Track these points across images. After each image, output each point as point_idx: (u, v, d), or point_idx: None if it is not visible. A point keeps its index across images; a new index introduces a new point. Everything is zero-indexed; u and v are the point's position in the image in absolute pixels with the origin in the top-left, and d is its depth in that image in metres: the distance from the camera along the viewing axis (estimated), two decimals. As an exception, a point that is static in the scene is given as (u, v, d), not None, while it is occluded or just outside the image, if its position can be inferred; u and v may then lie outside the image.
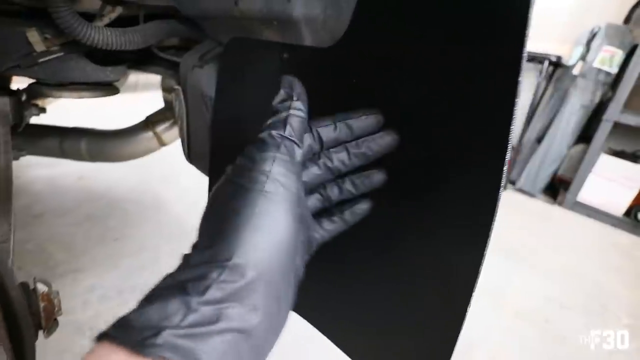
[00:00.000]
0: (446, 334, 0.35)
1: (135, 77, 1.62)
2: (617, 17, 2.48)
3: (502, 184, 0.29)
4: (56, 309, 0.44)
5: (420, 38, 0.34)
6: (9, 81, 0.91)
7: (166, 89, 1.30)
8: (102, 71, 0.70)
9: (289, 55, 0.50)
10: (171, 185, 2.02)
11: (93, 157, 1.04)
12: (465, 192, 0.32)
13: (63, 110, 1.84)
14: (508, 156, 0.29)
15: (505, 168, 0.29)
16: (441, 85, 0.33)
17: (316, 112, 0.46)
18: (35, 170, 1.96)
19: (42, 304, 0.43)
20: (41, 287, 0.43)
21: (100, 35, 0.58)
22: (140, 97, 1.61)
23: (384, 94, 0.38)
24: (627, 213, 2.31)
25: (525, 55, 0.27)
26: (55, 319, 0.45)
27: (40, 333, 0.44)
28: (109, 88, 0.77)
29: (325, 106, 0.46)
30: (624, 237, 2.22)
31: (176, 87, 0.69)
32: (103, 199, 1.81)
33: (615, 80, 2.38)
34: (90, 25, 0.57)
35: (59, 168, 1.98)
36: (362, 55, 0.40)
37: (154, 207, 1.78)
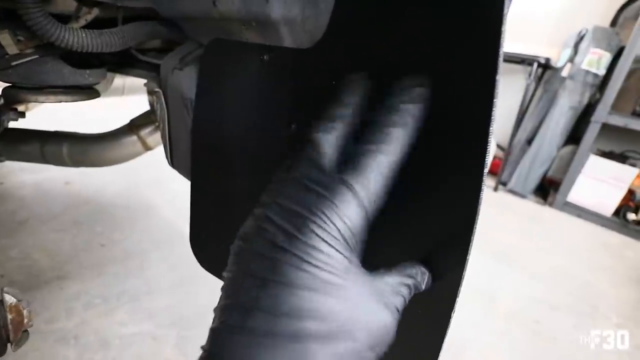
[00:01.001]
0: (431, 343, 0.34)
1: (122, 80, 1.60)
2: (604, 19, 2.51)
3: (483, 187, 0.29)
4: (26, 320, 0.42)
5: (399, 38, 0.33)
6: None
7: (151, 92, 1.29)
8: (80, 74, 0.68)
9: (269, 57, 0.49)
10: (161, 190, 2.00)
11: (75, 162, 1.01)
12: (446, 196, 0.31)
13: (48, 114, 1.81)
14: (488, 160, 0.28)
15: (485, 171, 0.28)
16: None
17: (299, 112, 0.46)
18: (21, 175, 1.92)
19: (10, 316, 0.41)
20: (9, 299, 0.41)
21: (75, 37, 0.56)
22: (127, 100, 1.58)
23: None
24: (616, 213, 2.33)
25: (501, 52, 0.26)
26: (26, 331, 0.43)
27: (9, 347, 0.42)
28: (88, 91, 0.75)
29: (307, 107, 0.45)
30: (613, 237, 2.24)
31: (157, 89, 0.67)
32: (90, 204, 1.78)
33: (603, 82, 2.41)
34: (63, 27, 0.55)
35: (46, 173, 1.95)
36: (342, 56, 0.40)
37: (142, 212, 1.76)
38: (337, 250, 0.24)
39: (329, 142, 0.28)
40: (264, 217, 0.26)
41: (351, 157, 0.27)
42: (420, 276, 0.30)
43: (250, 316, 0.23)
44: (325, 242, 0.24)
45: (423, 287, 0.30)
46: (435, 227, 0.32)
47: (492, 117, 0.27)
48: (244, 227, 0.28)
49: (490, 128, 0.28)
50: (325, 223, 0.24)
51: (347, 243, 0.25)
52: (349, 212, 0.25)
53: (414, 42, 0.32)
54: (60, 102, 0.71)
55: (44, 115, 1.72)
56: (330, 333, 0.23)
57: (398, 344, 0.38)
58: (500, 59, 0.26)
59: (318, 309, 0.23)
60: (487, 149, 0.28)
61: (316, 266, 0.24)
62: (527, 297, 1.55)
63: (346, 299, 0.24)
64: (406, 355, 0.37)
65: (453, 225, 0.31)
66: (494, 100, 0.27)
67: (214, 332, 0.24)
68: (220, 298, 0.26)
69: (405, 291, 0.28)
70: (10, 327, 0.40)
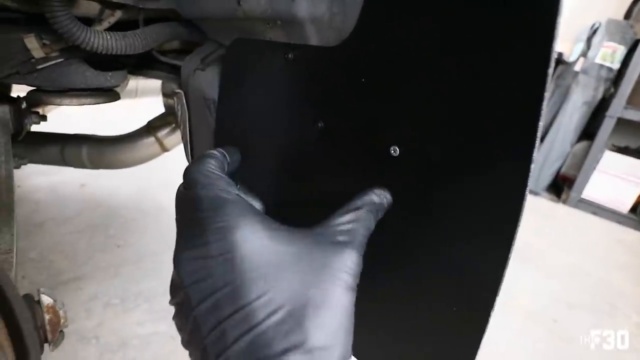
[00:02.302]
0: (468, 341, 0.33)
1: (134, 82, 1.62)
2: (618, 12, 2.47)
3: (528, 188, 0.28)
4: (62, 320, 0.43)
5: (434, 34, 0.33)
6: (9, 89, 0.90)
7: (167, 94, 1.29)
8: (103, 76, 0.69)
9: (294, 56, 0.49)
10: (171, 192, 1.99)
11: (94, 164, 1.02)
12: (489, 195, 0.31)
13: (64, 118, 1.83)
14: (534, 160, 0.27)
15: (530, 172, 0.28)
16: (460, 84, 0.32)
17: (326, 110, 0.45)
18: (37, 178, 1.95)
19: (47, 317, 0.41)
20: (46, 299, 0.41)
21: (100, 39, 0.56)
22: (140, 103, 1.59)
23: (396, 93, 0.37)
24: (633, 209, 2.29)
25: (554, 52, 0.25)
26: (61, 331, 0.44)
27: (47, 347, 0.43)
28: (109, 94, 0.75)
29: (333, 107, 0.45)
30: (629, 234, 2.20)
31: (178, 91, 0.67)
32: (104, 206, 1.80)
33: (618, 76, 2.37)
34: (89, 29, 0.55)
35: (61, 176, 1.97)
36: (372, 53, 0.39)
37: (155, 214, 1.77)
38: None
39: None
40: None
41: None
42: (377, 197, 0.33)
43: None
44: None
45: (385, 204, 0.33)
46: (477, 227, 0.32)
47: (540, 117, 0.27)
48: None
49: (538, 128, 0.28)
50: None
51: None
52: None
53: (453, 39, 0.31)
54: (83, 104, 0.71)
55: (58, 119, 1.74)
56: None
57: (434, 343, 0.38)
58: (553, 58, 0.26)
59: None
60: (533, 149, 0.27)
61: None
62: (544, 296, 1.53)
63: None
64: (443, 353, 0.36)
65: (495, 226, 0.31)
66: (543, 101, 0.27)
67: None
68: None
69: (356, 225, 0.30)
70: (48, 327, 0.41)
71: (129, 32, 0.60)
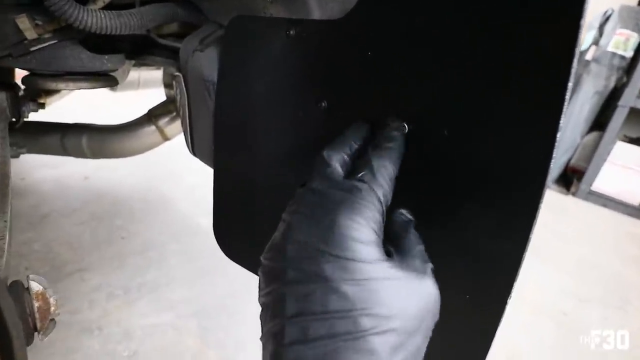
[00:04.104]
0: (481, 334, 0.31)
1: (137, 74, 1.60)
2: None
3: (548, 175, 0.27)
4: (52, 308, 0.41)
5: (448, 10, 0.30)
6: (9, 75, 0.88)
7: (168, 85, 1.27)
8: (99, 60, 0.67)
9: (296, 31, 0.46)
10: (177, 183, 2.00)
11: (95, 153, 1.01)
12: (505, 177, 0.29)
13: (65, 110, 1.82)
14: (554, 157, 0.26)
15: (549, 169, 0.26)
16: (478, 57, 0.29)
17: (330, 89, 0.43)
18: (42, 171, 1.95)
19: (36, 304, 0.39)
20: (35, 286, 0.40)
21: (94, 18, 0.54)
22: (142, 94, 1.58)
23: (406, 67, 0.34)
24: (645, 202, 2.24)
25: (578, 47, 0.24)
26: (52, 320, 0.42)
27: (37, 335, 0.41)
28: (107, 79, 0.73)
29: (338, 85, 0.42)
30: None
31: (176, 74, 0.65)
32: (109, 197, 1.79)
33: (631, 65, 2.30)
34: (82, 7, 0.53)
35: (65, 168, 1.97)
36: (379, 24, 0.36)
37: (160, 205, 1.76)
38: (369, 246, 0.26)
39: (337, 159, 0.32)
40: (293, 227, 0.28)
41: (360, 166, 0.30)
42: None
43: (308, 327, 0.24)
44: (358, 241, 0.25)
45: None
46: (494, 221, 0.30)
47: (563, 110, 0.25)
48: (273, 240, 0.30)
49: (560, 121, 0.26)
50: (356, 221, 0.26)
51: (377, 236, 0.27)
52: (373, 207, 0.27)
53: (467, 16, 0.29)
54: (80, 89, 0.69)
55: (60, 111, 1.74)
56: (382, 323, 0.24)
57: (446, 338, 0.36)
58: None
59: (366, 303, 0.24)
60: (554, 144, 0.26)
61: (355, 261, 0.25)
62: (554, 289, 1.50)
63: (389, 287, 0.25)
64: (456, 349, 0.35)
65: (512, 221, 0.29)
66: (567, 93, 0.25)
67: (277, 356, 0.25)
68: (264, 324, 0.28)
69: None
70: (37, 315, 0.39)
71: (124, 11, 0.58)
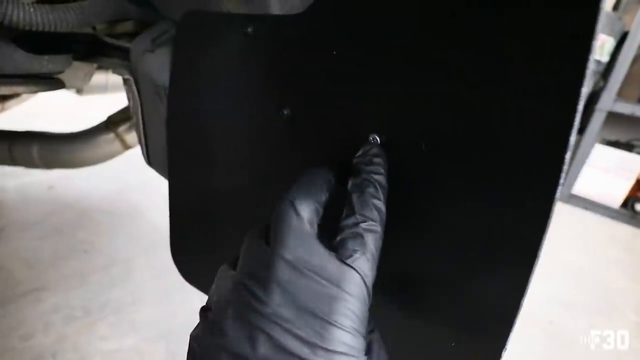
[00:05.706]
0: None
1: (104, 77, 1.50)
2: (606, 4, 2.44)
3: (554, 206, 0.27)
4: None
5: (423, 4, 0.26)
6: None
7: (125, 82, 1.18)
8: (38, 60, 0.59)
9: (254, 29, 0.41)
10: (148, 193, 1.89)
11: (48, 163, 0.92)
12: (516, 201, 0.29)
13: (27, 116, 1.71)
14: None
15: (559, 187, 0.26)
16: (457, 61, 0.25)
17: (292, 94, 0.37)
18: (2, 180, 1.82)
19: None
20: None
21: (22, 12, 0.47)
22: (111, 98, 1.48)
23: (376, 68, 0.29)
24: (624, 204, 2.26)
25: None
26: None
27: None
28: (49, 82, 0.65)
29: (300, 89, 0.37)
30: (622, 229, 2.17)
31: (127, 77, 0.58)
32: (74, 209, 1.68)
33: (607, 69, 2.33)
34: (8, 0, 0.46)
35: (29, 178, 1.84)
36: (345, 19, 0.31)
37: (128, 217, 1.66)
38: (355, 337, 0.23)
39: (309, 209, 0.26)
40: (266, 316, 0.23)
41: (347, 236, 0.26)
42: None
43: None
44: (346, 334, 0.23)
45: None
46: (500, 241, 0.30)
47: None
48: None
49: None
50: (345, 317, 0.23)
51: (362, 326, 0.24)
52: (361, 298, 0.24)
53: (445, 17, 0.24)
54: (16, 93, 0.61)
55: (23, 117, 1.62)
56: None
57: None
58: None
59: None
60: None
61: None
62: (539, 296, 1.47)
63: None
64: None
65: (518, 241, 0.30)
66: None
67: None
68: None
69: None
70: None
71: (60, 5, 0.50)
